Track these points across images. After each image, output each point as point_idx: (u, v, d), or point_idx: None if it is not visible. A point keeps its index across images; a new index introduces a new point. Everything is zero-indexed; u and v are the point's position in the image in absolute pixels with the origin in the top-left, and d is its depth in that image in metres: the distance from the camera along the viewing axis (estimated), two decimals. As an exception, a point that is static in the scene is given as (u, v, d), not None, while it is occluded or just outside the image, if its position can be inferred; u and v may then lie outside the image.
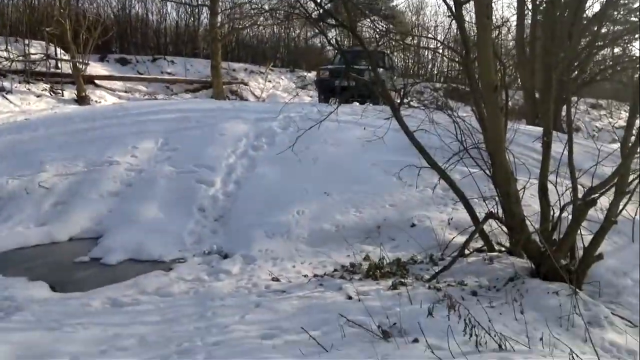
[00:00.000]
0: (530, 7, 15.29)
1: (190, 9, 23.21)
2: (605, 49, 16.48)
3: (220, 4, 20.00)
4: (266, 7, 18.92)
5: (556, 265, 4.17)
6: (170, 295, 4.56)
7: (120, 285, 4.78)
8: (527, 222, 4.73)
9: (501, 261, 4.89)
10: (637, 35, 14.89)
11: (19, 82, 15.19)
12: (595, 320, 3.77)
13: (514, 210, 4.66)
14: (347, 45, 22.64)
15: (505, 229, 5.17)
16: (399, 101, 5.76)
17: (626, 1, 15.04)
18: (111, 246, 5.80)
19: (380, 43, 10.79)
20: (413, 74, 23.83)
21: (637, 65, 12.13)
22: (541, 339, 3.28)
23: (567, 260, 4.59)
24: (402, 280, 4.57)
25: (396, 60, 20.96)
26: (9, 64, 15.35)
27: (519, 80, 15.15)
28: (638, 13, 14.18)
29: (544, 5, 13.33)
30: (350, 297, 4.22)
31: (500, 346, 3.09)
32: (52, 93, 15.47)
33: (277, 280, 4.89)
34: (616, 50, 16.89)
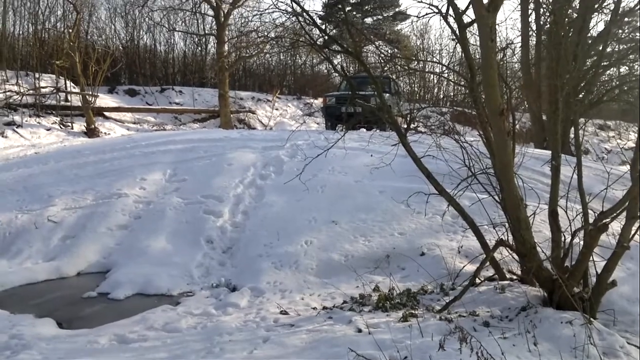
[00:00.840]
0: (534, 28, 15.34)
1: (198, 39, 23.58)
2: (611, 69, 16.44)
3: (226, 32, 20.30)
4: (272, 34, 19.14)
5: (569, 294, 4.09)
6: (177, 331, 4.50)
7: (127, 321, 4.73)
8: (539, 249, 4.66)
9: (513, 290, 4.81)
10: (641, 54, 14.86)
11: (29, 116, 15.42)
12: (611, 350, 3.67)
13: (525, 236, 4.59)
14: (353, 71, 22.84)
15: (516, 256, 5.09)
16: (405, 127, 5.74)
17: (630, 19, 15.06)
18: (119, 280, 5.78)
19: (385, 68, 10.85)
20: (419, 98, 23.93)
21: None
22: (556, 372, 3.20)
23: (580, 288, 4.50)
24: (413, 311, 4.49)
25: (402, 84, 21.06)
26: (19, 98, 15.59)
27: (526, 102, 15.13)
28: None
29: (548, 26, 13.37)
30: (360, 330, 4.14)
31: (514, 381, 3.01)
32: (61, 126, 15.67)
33: (286, 313, 4.82)
34: (622, 69, 16.85)
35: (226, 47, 20.03)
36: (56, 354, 3.99)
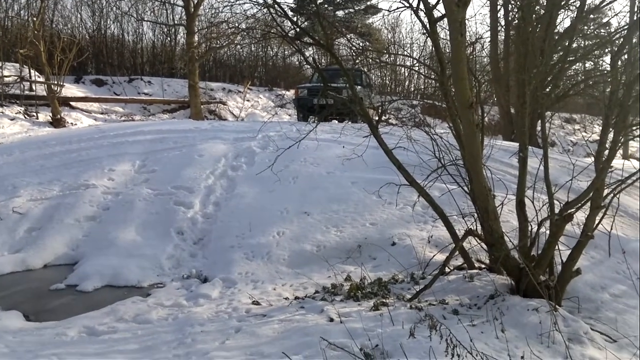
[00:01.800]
0: (503, 23, 15.57)
1: (167, 29, 23.22)
2: (577, 64, 16.80)
3: (196, 23, 20.03)
4: (243, 26, 18.98)
5: (535, 282, 4.19)
6: (148, 322, 4.46)
7: (96, 312, 4.67)
8: (506, 238, 4.75)
9: (481, 279, 4.90)
10: (607, 50, 15.23)
11: (-8, 105, 14.98)
12: (575, 336, 3.78)
13: (493, 226, 4.68)
14: (325, 63, 22.82)
15: (484, 245, 5.19)
16: (377, 119, 5.78)
17: (595, 16, 15.40)
18: (87, 272, 5.68)
19: (357, 61, 10.89)
20: (390, 91, 24.07)
21: (608, 80, 12.41)
22: (522, 357, 3.29)
23: (546, 276, 4.61)
24: (384, 300, 4.54)
25: (373, 77, 21.14)
26: (-19, 86, 15.13)
27: (495, 96, 15.37)
28: (607, 28, 14.54)
29: (516, 21, 13.58)
30: (331, 319, 4.17)
31: (482, 366, 3.08)
32: (26, 116, 15.26)
33: (258, 303, 4.82)
34: (587, 64, 17.23)
35: (196, 38, 19.77)
36: (23, 346, 3.92)
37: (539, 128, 10.40)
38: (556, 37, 14.02)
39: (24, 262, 5.97)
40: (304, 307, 4.59)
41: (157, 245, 6.32)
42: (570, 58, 15.05)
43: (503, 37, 15.89)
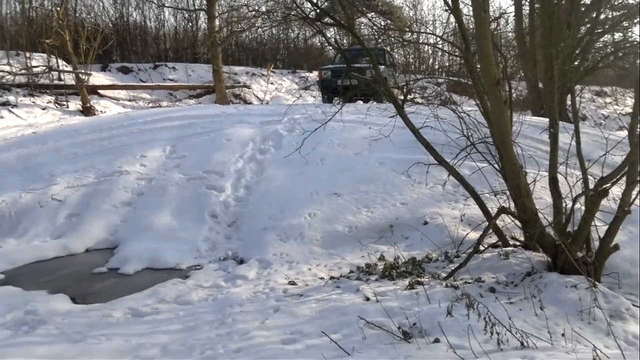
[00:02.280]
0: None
1: (188, 14, 23.27)
2: (606, 36, 16.39)
3: (217, 7, 20.02)
4: (263, 9, 18.92)
5: (572, 259, 4.19)
6: (189, 303, 4.59)
7: (139, 294, 4.81)
8: (540, 215, 4.74)
9: (517, 256, 4.91)
10: (636, 20, 14.83)
11: (24, 96, 15.28)
12: (617, 312, 3.77)
13: (526, 203, 4.67)
14: (347, 43, 22.66)
15: (518, 223, 5.19)
16: (402, 98, 5.77)
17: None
18: (127, 256, 5.85)
19: (379, 40, 10.80)
20: (414, 69, 23.82)
21: (638, 51, 12.09)
22: (563, 334, 3.31)
23: (583, 253, 4.60)
24: (419, 279, 4.59)
25: (397, 56, 20.95)
26: (12, 78, 15.42)
27: (522, 71, 15.12)
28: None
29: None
30: (368, 299, 4.24)
31: (522, 343, 3.11)
32: (57, 105, 15.54)
33: (294, 283, 4.92)
34: (616, 36, 16.80)
35: (217, 22, 19.78)
36: (72, 328, 4.07)
37: (569, 102, 10.22)
38: (582, 9, 13.72)
39: (66, 247, 6.17)
40: (340, 287, 4.67)
41: (192, 228, 6.45)
42: (598, 30, 14.71)
43: (528, 11, 15.58)
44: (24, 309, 4.40)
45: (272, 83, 22.03)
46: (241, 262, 5.72)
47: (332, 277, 5.01)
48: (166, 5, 22.67)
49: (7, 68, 15.83)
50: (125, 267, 5.60)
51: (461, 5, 5.22)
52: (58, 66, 16.99)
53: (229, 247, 6.13)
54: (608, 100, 23.37)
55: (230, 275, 5.30)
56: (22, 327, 4.08)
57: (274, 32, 25.33)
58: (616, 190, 4.67)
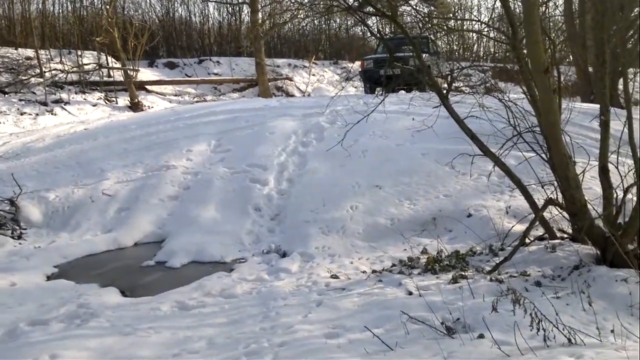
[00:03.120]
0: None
1: (232, 8, 23.51)
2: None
3: (260, 0, 20.15)
4: (305, 0, 18.91)
5: (622, 251, 4.05)
6: (234, 297, 4.68)
7: (185, 288, 4.93)
8: (590, 207, 4.60)
9: (564, 249, 4.77)
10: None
11: (75, 93, 15.83)
12: (669, 307, 3.64)
13: (575, 195, 4.54)
14: (389, 32, 22.40)
15: (566, 214, 5.04)
16: (446, 87, 5.66)
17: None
18: (174, 249, 6.01)
19: (422, 29, 10.62)
20: (458, 56, 23.35)
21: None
22: (612, 330, 3.21)
23: (634, 245, 4.44)
24: (463, 273, 4.53)
25: (440, 44, 20.56)
26: (64, 75, 16.00)
27: (571, 55, 14.59)
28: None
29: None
30: (410, 293, 4.22)
31: (569, 340, 3.03)
32: (106, 101, 16.04)
33: (337, 277, 4.94)
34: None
35: (260, 15, 19.93)
36: (122, 321, 4.22)
37: (620, 87, 9.82)
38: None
39: (116, 241, 6.39)
40: (382, 281, 4.66)
41: (236, 221, 6.57)
42: (656, 8, 14.00)
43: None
44: (76, 302, 4.58)
45: (314, 75, 22.05)
46: (284, 255, 5.79)
47: (374, 271, 5.01)
48: (210, 0, 22.97)
49: (60, 66, 16.42)
50: (172, 261, 5.76)
51: (508, -11, 5.08)
52: (107, 63, 17.53)
53: (272, 240, 6.21)
54: (664, 83, 22.30)
55: (274, 268, 5.37)
56: (74, 320, 4.25)
57: (315, 23, 25.30)
58: (671, 180, 4.47)
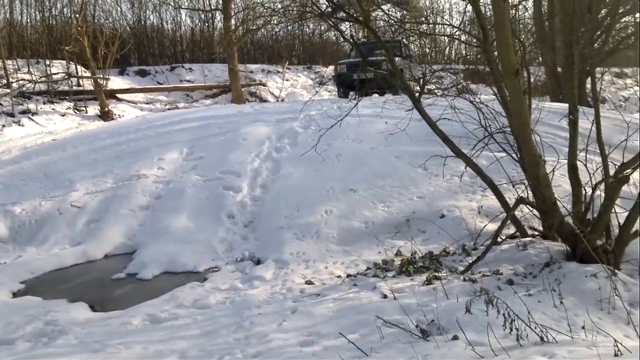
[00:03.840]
0: (545, -20, 14.92)
1: (204, 15, 23.36)
2: (628, 16, 15.95)
3: (233, 6, 20.06)
4: (279, 6, 18.88)
5: (591, 247, 4.09)
6: (207, 307, 4.60)
7: (157, 300, 4.84)
8: (560, 204, 4.64)
9: (535, 246, 4.81)
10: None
11: (44, 103, 15.51)
12: (637, 300, 3.68)
13: (545, 193, 4.57)
14: (362, 37, 22.48)
15: (537, 213, 5.08)
16: (418, 90, 5.68)
17: (645, -36, 14.51)
18: (145, 260, 5.89)
19: (395, 33, 10.66)
20: (431, 59, 23.55)
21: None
22: (583, 326, 3.22)
23: (603, 241, 4.49)
24: (436, 274, 4.53)
25: (413, 47, 20.72)
26: (32, 85, 15.67)
27: (540, 56, 14.81)
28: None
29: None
30: (385, 296, 4.20)
31: (542, 338, 3.03)
32: (76, 111, 15.74)
33: (311, 283, 4.89)
34: (638, 16, 16.33)
35: (233, 21, 19.83)
36: (92, 337, 4.11)
37: (588, 86, 9.99)
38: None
39: (85, 254, 6.24)
40: (357, 285, 4.63)
41: (210, 229, 6.48)
42: (621, 10, 14.30)
43: (547, -5, 15.23)
44: (43, 319, 4.45)
45: (287, 80, 22.01)
46: (258, 262, 5.72)
47: (348, 275, 4.98)
48: (183, 7, 22.81)
49: (27, 76, 16.09)
50: (144, 272, 5.65)
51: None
52: (77, 72, 17.23)
53: (245, 247, 6.14)
54: (629, 81, 22.74)
55: (248, 276, 5.30)
56: (42, 338, 4.14)
57: (289, 28, 25.29)
58: (637, 176, 4.54)
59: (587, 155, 4.90)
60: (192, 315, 4.45)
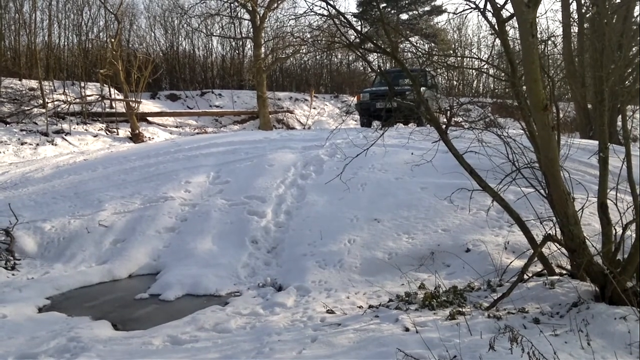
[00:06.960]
0: (575, 16, 14.91)
1: (235, 42, 23.89)
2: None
3: (263, 35, 20.48)
4: (308, 35, 19.22)
5: (621, 289, 3.99)
6: (227, 331, 4.59)
7: (179, 322, 4.84)
8: (589, 243, 4.55)
9: (563, 285, 4.71)
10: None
11: (77, 124, 15.95)
12: (669, 346, 3.56)
13: (574, 231, 4.49)
14: (390, 65, 22.64)
15: (565, 251, 4.98)
16: (445, 122, 5.68)
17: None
18: (169, 282, 5.93)
19: (423, 65, 10.73)
20: (458, 92, 23.58)
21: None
22: (611, 370, 3.13)
23: (633, 282, 4.37)
24: (460, 309, 4.45)
25: (440, 79, 20.78)
26: (67, 106, 16.14)
27: (570, 92, 14.73)
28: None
29: (590, 14, 12.97)
30: (407, 329, 4.14)
31: (568, 380, 2.96)
32: (107, 132, 16.14)
33: (332, 312, 4.86)
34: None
35: (263, 50, 20.23)
36: (113, 355, 4.13)
37: (619, 123, 9.87)
38: (634, 27, 13.27)
39: (111, 273, 6.32)
40: (379, 316, 4.58)
41: (233, 254, 6.50)
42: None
43: (577, 31, 15.21)
44: (67, 335, 4.49)
45: (314, 108, 22.25)
46: (280, 289, 5.71)
47: (370, 306, 4.93)
48: (215, 34, 23.37)
49: (62, 97, 16.59)
50: (167, 294, 5.68)
51: (507, 27, 5.13)
52: (110, 95, 17.71)
53: (268, 273, 6.14)
54: (662, 119, 22.41)
55: (269, 302, 5.29)
56: (64, 354, 4.16)
57: (317, 58, 25.67)
58: (670, 217, 4.43)
59: (618, 194, 4.82)
60: (213, 338, 4.44)
